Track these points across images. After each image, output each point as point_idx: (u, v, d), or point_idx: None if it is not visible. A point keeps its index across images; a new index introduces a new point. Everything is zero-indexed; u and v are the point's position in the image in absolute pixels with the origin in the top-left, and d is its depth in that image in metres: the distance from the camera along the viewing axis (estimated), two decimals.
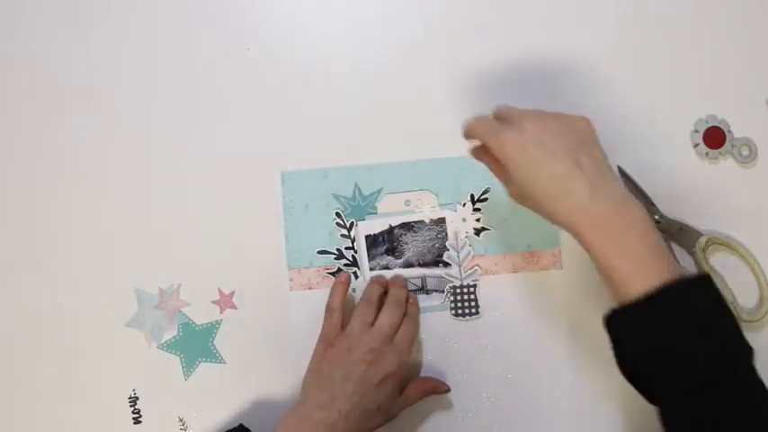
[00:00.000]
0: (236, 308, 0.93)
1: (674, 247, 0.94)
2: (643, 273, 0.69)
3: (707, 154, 0.95)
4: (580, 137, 0.74)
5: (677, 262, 0.92)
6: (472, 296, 0.93)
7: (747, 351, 0.70)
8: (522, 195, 0.76)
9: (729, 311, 0.71)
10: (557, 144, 0.72)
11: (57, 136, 0.96)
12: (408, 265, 0.94)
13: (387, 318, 0.87)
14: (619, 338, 0.72)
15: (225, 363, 0.93)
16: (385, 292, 0.91)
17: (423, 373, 0.92)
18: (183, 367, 0.92)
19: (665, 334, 0.68)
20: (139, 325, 0.93)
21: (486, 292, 0.94)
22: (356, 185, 0.95)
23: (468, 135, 0.79)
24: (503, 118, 0.77)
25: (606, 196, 0.71)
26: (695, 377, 0.67)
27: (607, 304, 0.92)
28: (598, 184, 0.72)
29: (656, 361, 0.69)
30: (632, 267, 0.70)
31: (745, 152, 0.95)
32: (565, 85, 0.97)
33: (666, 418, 0.69)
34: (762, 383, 0.69)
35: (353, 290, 0.93)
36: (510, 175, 0.74)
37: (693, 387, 0.67)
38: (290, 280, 0.93)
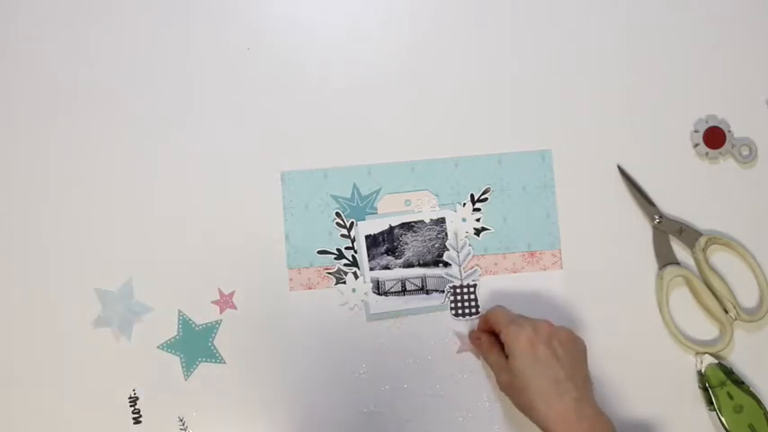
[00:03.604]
0: (236, 308, 0.93)
1: (675, 247, 0.94)
2: None
3: (707, 154, 0.95)
4: (579, 353, 0.85)
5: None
6: (472, 296, 0.93)
7: None
8: (511, 386, 0.83)
9: None
10: (561, 351, 0.82)
11: (56, 136, 0.96)
12: (408, 264, 0.94)
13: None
14: None
15: (225, 363, 0.93)
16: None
17: (423, 375, 0.93)
18: (182, 367, 0.92)
19: None
20: (107, 322, 0.94)
21: (486, 293, 0.94)
22: (354, 186, 0.95)
23: (485, 322, 0.90)
24: (518, 316, 0.88)
25: (587, 410, 0.80)
26: None
27: (606, 305, 0.93)
28: (583, 397, 0.81)
29: None
30: None
31: (745, 152, 0.95)
32: (566, 86, 0.97)
33: None
34: None
35: (353, 290, 0.93)
36: (510, 365, 0.83)
37: None
38: (290, 280, 0.93)
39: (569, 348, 0.83)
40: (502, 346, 0.86)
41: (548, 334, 0.83)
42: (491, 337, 0.89)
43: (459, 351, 0.93)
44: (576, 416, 0.78)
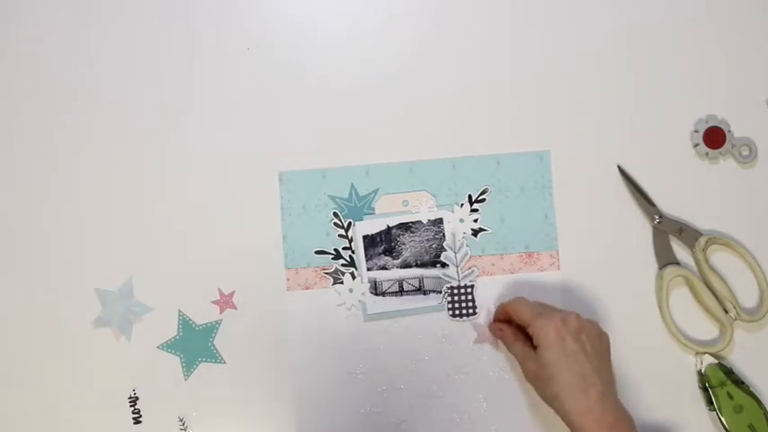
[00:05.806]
0: (235, 308, 0.94)
1: (675, 247, 0.94)
2: None
3: (707, 154, 0.95)
4: (604, 348, 0.85)
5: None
6: (469, 297, 0.93)
7: None
8: (538, 376, 0.83)
9: None
10: (589, 345, 0.83)
11: (56, 136, 0.96)
12: (406, 265, 0.94)
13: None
14: None
15: (225, 363, 0.93)
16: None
17: (420, 375, 0.93)
18: (183, 367, 0.93)
19: None
20: (107, 322, 0.94)
21: (483, 293, 0.94)
22: (352, 186, 0.95)
23: (507, 312, 0.89)
24: (543, 307, 0.88)
25: (610, 404, 0.81)
26: None
27: (605, 306, 0.93)
28: (608, 392, 0.81)
29: None
30: None
31: (745, 152, 0.95)
32: (566, 86, 0.97)
33: None
34: None
35: (351, 290, 0.93)
36: (539, 356, 0.83)
37: None
38: (288, 280, 0.94)
39: (596, 343, 0.84)
40: (525, 335, 0.87)
41: (576, 327, 0.83)
42: (513, 328, 0.89)
43: (477, 342, 0.93)
44: (600, 409, 0.79)
